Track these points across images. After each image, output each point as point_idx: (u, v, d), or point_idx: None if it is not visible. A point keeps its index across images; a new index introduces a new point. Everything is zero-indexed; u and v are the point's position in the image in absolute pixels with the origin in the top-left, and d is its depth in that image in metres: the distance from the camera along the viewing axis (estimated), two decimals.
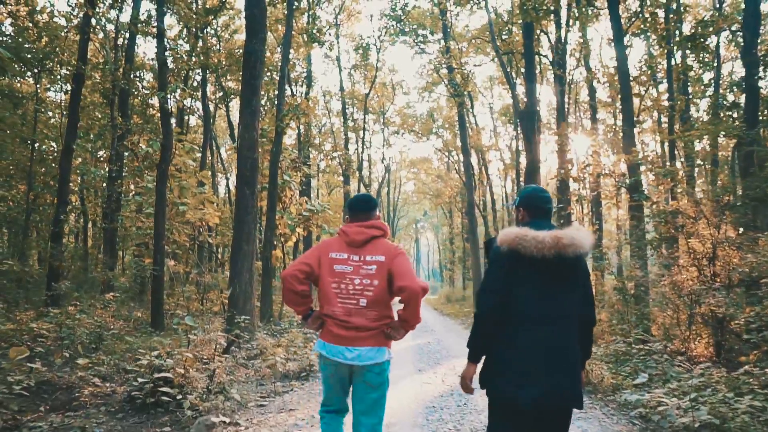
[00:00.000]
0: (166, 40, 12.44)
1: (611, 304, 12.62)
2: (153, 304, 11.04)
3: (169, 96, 11.32)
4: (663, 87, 22.84)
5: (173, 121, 25.63)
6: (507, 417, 2.51)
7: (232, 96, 26.99)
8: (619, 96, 12.68)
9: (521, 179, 33.20)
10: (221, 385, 5.47)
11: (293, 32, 20.75)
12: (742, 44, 11.71)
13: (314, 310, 3.08)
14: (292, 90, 26.10)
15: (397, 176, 55.10)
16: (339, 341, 2.91)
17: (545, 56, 21.76)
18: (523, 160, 32.92)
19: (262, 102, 24.63)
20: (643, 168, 11.49)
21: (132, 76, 17.25)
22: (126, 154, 18.08)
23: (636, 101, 25.97)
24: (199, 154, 24.01)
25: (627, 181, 11.61)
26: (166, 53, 11.90)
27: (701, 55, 17.15)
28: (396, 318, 3.03)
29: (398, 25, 29.93)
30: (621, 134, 12.66)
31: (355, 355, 2.90)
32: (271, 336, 11.98)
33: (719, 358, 7.98)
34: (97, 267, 15.18)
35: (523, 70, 22.80)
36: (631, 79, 13.54)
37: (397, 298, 3.01)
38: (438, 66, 25.97)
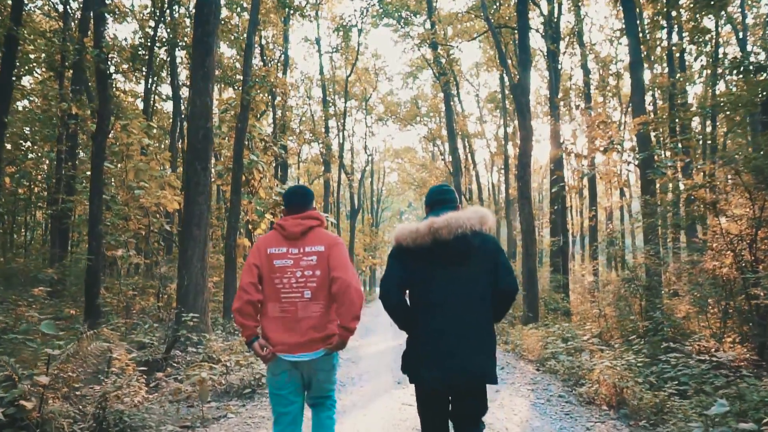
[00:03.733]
0: None
1: (618, 297, 11.19)
2: (87, 299, 9.35)
3: (106, 54, 9.56)
4: (657, 71, 21.62)
5: (140, 104, 23.84)
6: (426, 396, 2.61)
7: None
8: (629, 62, 11.19)
9: (509, 166, 31.85)
10: (118, 415, 3.86)
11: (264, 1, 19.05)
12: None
13: (258, 336, 2.90)
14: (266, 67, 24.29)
15: (380, 167, 53.63)
16: (291, 350, 2.82)
17: (537, 30, 20.23)
18: (510, 149, 31.64)
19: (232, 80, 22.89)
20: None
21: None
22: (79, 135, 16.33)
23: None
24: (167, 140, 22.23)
25: (638, 155, 10.13)
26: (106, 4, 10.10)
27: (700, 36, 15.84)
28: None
29: (380, 5, 28.32)
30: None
31: (307, 359, 2.85)
32: (230, 336, 10.38)
33: (765, 361, 6.55)
34: (17, 258, 13.37)
35: (512, 50, 21.42)
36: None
37: None
38: (423, 41, 24.31)
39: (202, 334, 8.74)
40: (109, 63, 9.48)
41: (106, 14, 10.02)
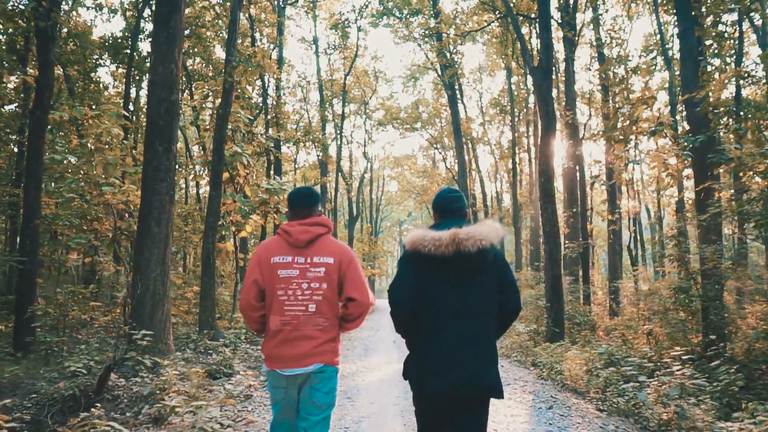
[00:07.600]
0: None
1: (666, 309, 9.39)
2: (17, 314, 7.51)
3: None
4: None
5: (126, 104, 22.09)
6: (427, 406, 2.54)
7: (196, 77, 23.28)
8: (677, 29, 9.48)
9: (518, 171, 30.24)
10: None
11: None
12: None
13: None
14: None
15: (380, 174, 52.13)
16: (286, 364, 2.64)
17: (552, 18, 18.55)
18: (517, 155, 30.03)
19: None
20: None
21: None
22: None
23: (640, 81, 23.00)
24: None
25: (695, 138, 8.35)
26: None
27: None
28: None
29: (380, 3, 26.81)
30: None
31: (306, 371, 2.67)
32: (201, 356, 8.51)
33: None
34: None
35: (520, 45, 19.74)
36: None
37: None
38: (427, 32, 22.68)
39: (157, 356, 6.90)
40: (52, 20, 7.67)
41: None
